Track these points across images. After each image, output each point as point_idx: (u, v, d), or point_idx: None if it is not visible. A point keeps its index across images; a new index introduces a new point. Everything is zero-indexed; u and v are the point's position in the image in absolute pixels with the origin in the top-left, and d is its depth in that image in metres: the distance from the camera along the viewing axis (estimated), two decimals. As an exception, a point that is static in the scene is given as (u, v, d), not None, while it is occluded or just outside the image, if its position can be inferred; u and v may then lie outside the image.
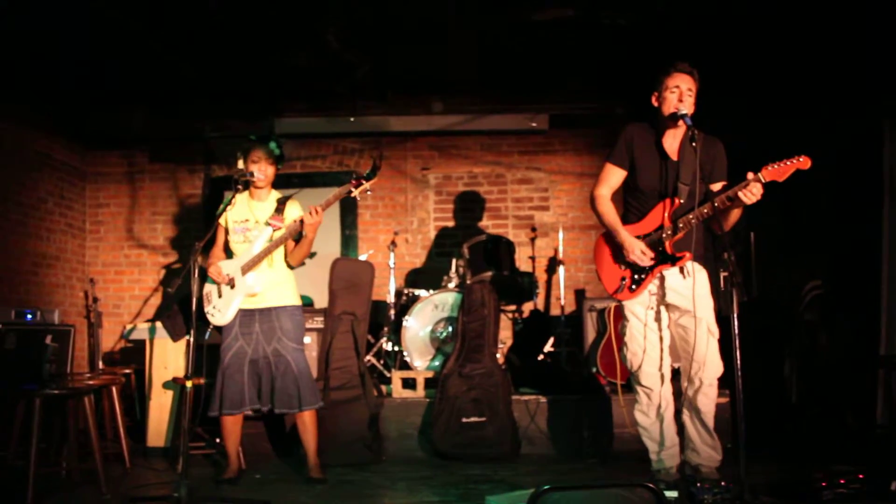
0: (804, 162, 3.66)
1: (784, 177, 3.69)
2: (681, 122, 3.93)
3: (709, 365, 3.97)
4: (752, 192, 3.70)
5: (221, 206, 4.45)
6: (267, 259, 4.47)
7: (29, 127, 6.68)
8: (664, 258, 4.01)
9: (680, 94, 3.93)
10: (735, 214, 3.93)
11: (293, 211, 4.51)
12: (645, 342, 4.12)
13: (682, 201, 3.98)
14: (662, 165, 4.04)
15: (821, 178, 5.96)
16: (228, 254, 4.63)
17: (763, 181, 3.70)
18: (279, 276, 4.54)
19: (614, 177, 4.15)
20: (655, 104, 4.06)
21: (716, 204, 3.77)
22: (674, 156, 4.05)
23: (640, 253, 3.98)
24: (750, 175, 3.72)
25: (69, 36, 5.56)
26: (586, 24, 5.60)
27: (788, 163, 3.68)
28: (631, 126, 4.17)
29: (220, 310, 4.50)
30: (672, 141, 4.07)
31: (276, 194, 4.63)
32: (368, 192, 4.35)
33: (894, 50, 5.14)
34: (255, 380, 4.47)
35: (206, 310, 4.56)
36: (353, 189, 4.27)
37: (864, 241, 5.49)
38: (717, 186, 3.97)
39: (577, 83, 6.95)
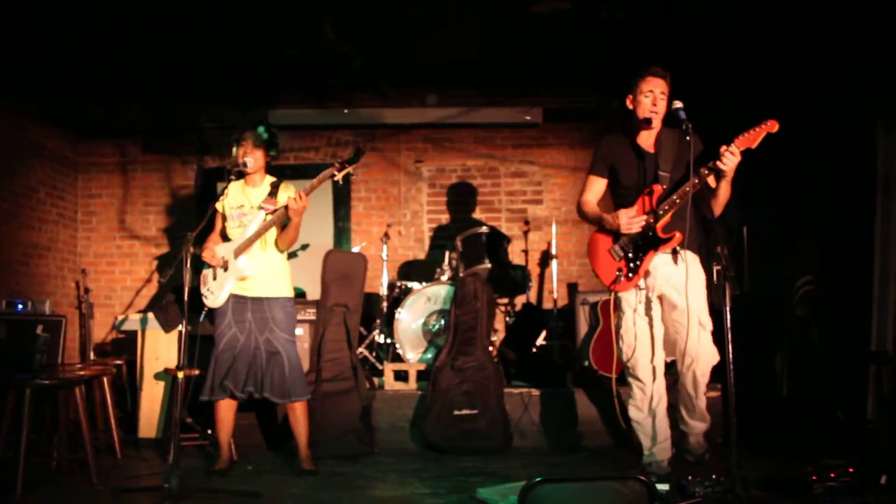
0: (772, 125, 3.79)
1: (755, 143, 3.81)
2: (654, 124, 4.13)
3: (702, 358, 4.09)
4: (727, 157, 3.79)
5: (219, 197, 4.48)
6: (260, 242, 4.47)
7: (21, 116, 6.65)
8: (655, 241, 4.10)
9: (654, 98, 4.09)
10: (723, 194, 3.98)
11: (286, 194, 4.50)
12: (639, 335, 4.19)
13: (664, 187, 4.10)
14: (641, 161, 4.19)
15: (815, 175, 5.99)
16: (226, 241, 4.63)
17: (736, 150, 3.81)
18: (273, 264, 4.54)
19: (596, 184, 4.36)
20: (630, 107, 4.20)
21: (695, 179, 3.86)
22: (651, 149, 4.19)
23: (627, 220, 4.10)
24: (722, 147, 3.82)
25: (64, 26, 5.52)
26: (582, 17, 5.59)
27: (757, 129, 3.80)
28: (605, 136, 4.40)
29: (214, 292, 4.52)
30: (647, 137, 4.22)
31: (269, 179, 4.63)
32: (351, 176, 4.39)
33: (887, 48, 5.15)
34: (247, 367, 4.46)
35: (202, 291, 4.60)
36: (336, 172, 4.27)
37: (857, 238, 5.51)
38: None
39: (572, 77, 6.94)
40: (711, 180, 3.94)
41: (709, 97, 4.94)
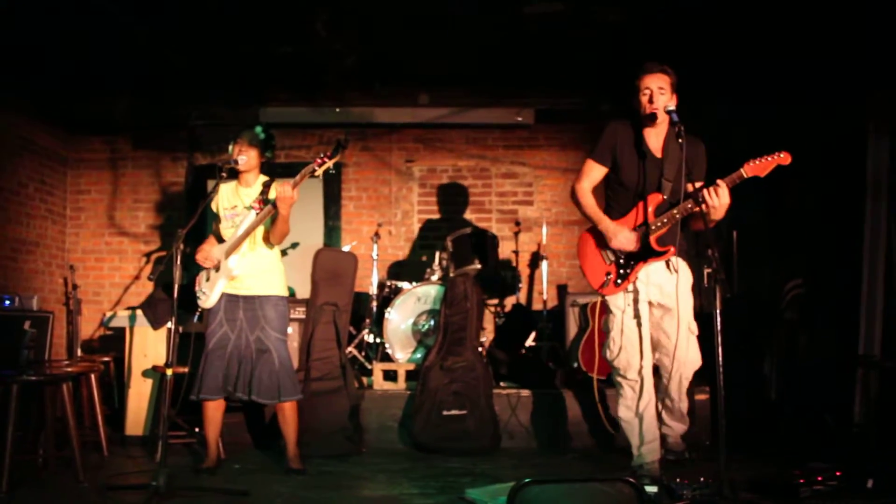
0: (784, 158, 3.77)
1: (765, 172, 3.79)
2: (661, 121, 4.03)
3: (689, 363, 4.16)
4: (711, 194, 3.80)
5: (209, 195, 4.48)
6: (249, 241, 4.46)
7: (10, 111, 6.60)
8: (649, 253, 4.05)
9: (650, 94, 4.00)
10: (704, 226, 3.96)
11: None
12: (629, 336, 4.15)
13: (665, 197, 4.04)
14: (646, 162, 4.09)
15: (805, 178, 6.00)
16: (222, 243, 4.61)
17: (745, 176, 3.81)
18: (264, 263, 4.52)
19: (595, 172, 4.22)
20: (636, 107, 4.10)
21: (703, 189, 3.83)
22: (658, 153, 4.09)
23: (623, 239, 4.04)
24: (718, 181, 3.83)
25: (53, 21, 5.48)
26: (575, 18, 5.59)
27: (769, 158, 3.78)
28: (615, 123, 4.21)
29: (206, 293, 4.52)
30: (655, 139, 4.12)
31: (262, 178, 4.61)
32: (331, 171, 4.38)
33: (878, 50, 5.18)
34: (236, 367, 4.44)
35: (196, 292, 4.60)
36: (316, 168, 4.27)
37: (846, 241, 5.53)
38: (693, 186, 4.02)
39: (565, 78, 6.94)
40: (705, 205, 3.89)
41: (704, 101, 4.94)
